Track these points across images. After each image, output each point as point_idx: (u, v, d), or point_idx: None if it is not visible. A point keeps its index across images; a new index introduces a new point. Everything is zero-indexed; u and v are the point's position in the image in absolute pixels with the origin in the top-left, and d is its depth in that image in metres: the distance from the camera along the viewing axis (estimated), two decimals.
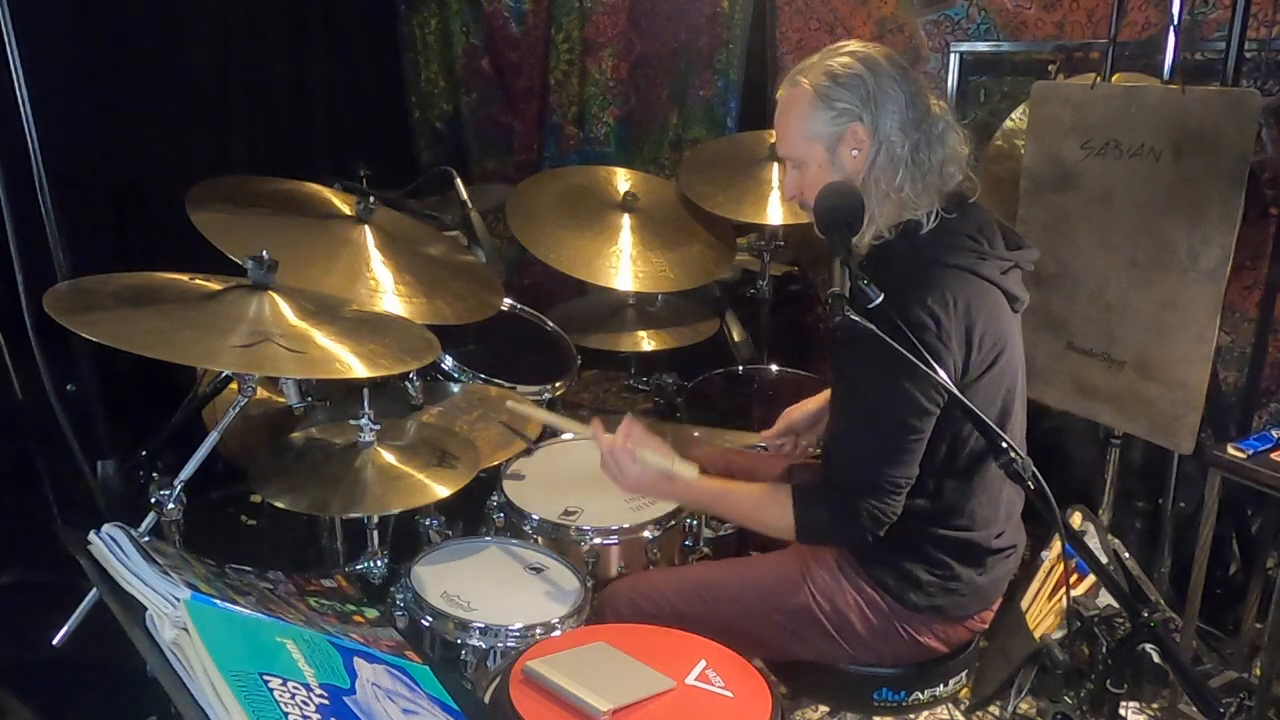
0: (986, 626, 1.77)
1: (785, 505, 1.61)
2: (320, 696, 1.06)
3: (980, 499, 1.63)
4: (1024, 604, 2.27)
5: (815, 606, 1.68)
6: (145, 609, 1.08)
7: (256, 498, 2.27)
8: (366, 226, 2.14)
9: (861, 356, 1.51)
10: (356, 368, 1.60)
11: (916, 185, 1.58)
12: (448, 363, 2.28)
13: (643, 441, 1.68)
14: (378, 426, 1.85)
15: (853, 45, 1.64)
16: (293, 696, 1.03)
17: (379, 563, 1.87)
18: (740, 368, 2.73)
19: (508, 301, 2.42)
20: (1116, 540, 2.39)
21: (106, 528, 1.18)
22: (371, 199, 2.19)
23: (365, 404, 1.83)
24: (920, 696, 1.74)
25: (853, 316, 1.31)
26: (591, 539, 1.87)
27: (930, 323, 1.48)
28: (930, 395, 1.51)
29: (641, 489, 1.74)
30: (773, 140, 2.74)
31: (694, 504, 1.86)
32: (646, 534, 1.89)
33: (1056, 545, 2.25)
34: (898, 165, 1.58)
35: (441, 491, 1.79)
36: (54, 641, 1.56)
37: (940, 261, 1.55)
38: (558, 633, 1.61)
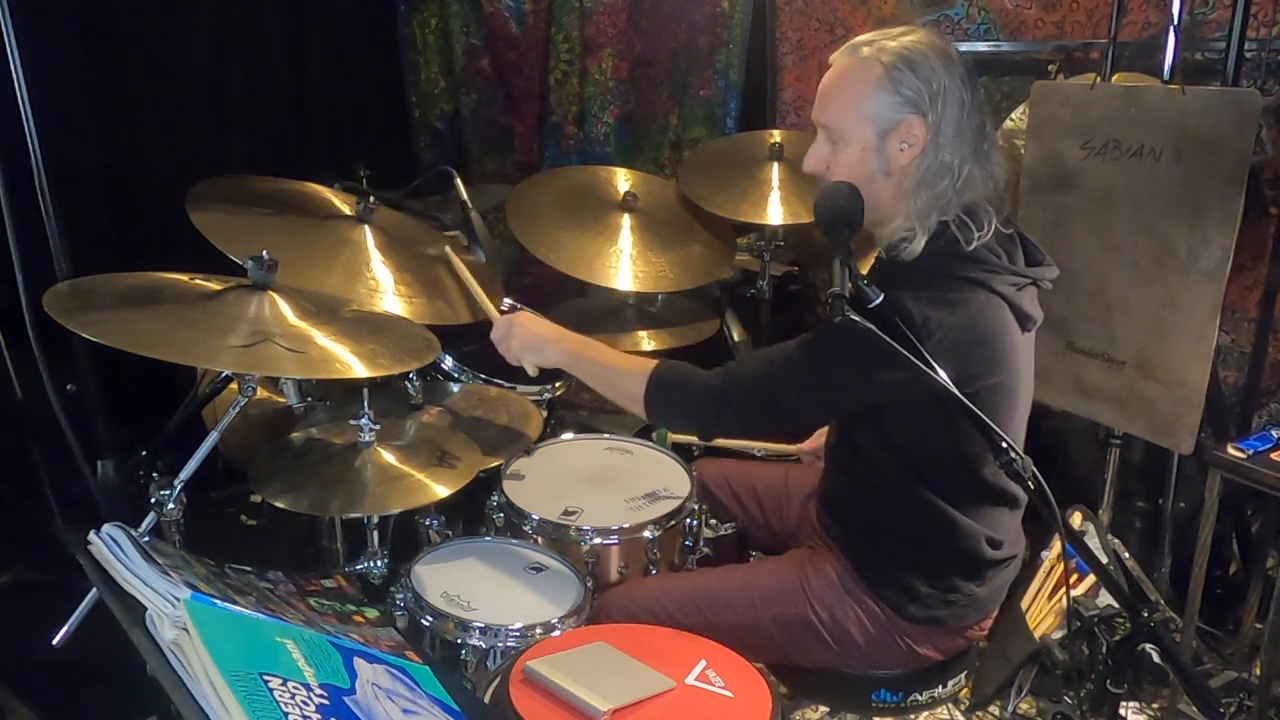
0: (984, 633, 1.77)
1: (645, 373, 1.65)
2: (320, 696, 1.06)
3: (993, 515, 1.61)
4: (1024, 604, 2.27)
5: (814, 616, 1.68)
6: (145, 609, 1.08)
7: (256, 498, 2.27)
8: (366, 226, 2.13)
9: (841, 345, 1.48)
10: (356, 368, 1.60)
11: (951, 198, 1.50)
12: (448, 363, 2.28)
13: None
14: (378, 426, 1.85)
15: (923, 32, 1.53)
16: (293, 696, 1.03)
17: (379, 563, 1.86)
18: None
19: (508, 301, 2.42)
20: (1116, 540, 2.39)
21: (106, 528, 1.18)
22: (371, 199, 2.18)
23: (365, 404, 1.83)
24: (919, 698, 1.75)
25: (853, 317, 1.30)
26: (591, 539, 1.87)
27: (925, 333, 1.42)
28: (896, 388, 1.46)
29: (527, 340, 1.82)
30: (773, 140, 2.73)
31: (569, 354, 1.81)
32: (646, 534, 1.89)
33: (1056, 545, 2.25)
34: (942, 174, 1.50)
35: (441, 491, 1.79)
36: (54, 641, 1.56)
37: (947, 272, 1.48)
38: (558, 633, 1.61)
